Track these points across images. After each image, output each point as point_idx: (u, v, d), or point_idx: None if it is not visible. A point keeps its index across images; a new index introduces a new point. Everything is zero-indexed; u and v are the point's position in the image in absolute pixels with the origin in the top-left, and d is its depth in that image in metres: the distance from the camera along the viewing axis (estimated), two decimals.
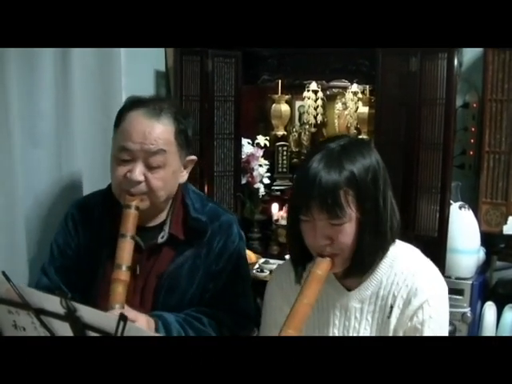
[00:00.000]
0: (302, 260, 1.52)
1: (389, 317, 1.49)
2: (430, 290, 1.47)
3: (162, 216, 1.79)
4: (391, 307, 1.49)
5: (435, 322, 1.46)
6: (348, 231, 1.41)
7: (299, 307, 1.39)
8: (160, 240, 1.76)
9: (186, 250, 1.75)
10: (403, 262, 1.51)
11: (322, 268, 1.43)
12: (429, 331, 1.45)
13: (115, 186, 1.70)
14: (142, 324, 1.53)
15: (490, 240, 2.81)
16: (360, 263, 1.45)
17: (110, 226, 1.73)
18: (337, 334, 1.55)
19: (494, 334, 2.62)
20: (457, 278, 2.65)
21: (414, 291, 1.47)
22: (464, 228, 2.68)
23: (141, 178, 1.64)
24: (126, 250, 1.59)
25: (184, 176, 1.78)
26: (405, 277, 1.49)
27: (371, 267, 1.49)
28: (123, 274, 1.56)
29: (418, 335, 1.46)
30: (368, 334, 1.52)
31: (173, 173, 1.70)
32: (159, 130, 1.65)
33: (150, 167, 1.65)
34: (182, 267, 1.74)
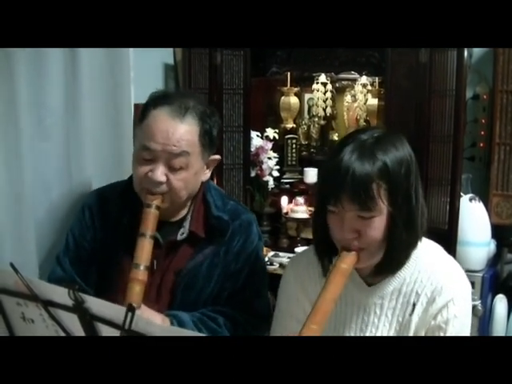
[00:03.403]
0: (328, 253, 1.49)
1: (411, 314, 1.47)
2: (455, 288, 1.45)
3: (183, 212, 1.76)
4: (414, 305, 1.47)
5: (459, 320, 1.44)
6: (377, 225, 1.37)
7: (322, 302, 1.36)
8: (180, 237, 1.73)
9: (205, 248, 1.72)
10: (427, 260, 1.48)
11: (347, 262, 1.39)
12: (452, 330, 1.44)
13: (136, 183, 1.68)
14: (158, 323, 1.50)
15: (501, 232, 2.81)
16: (392, 260, 1.42)
17: (128, 221, 1.71)
18: (354, 329, 1.53)
19: (504, 327, 2.62)
20: (467, 271, 2.60)
21: (438, 289, 1.44)
22: (474, 220, 2.68)
23: (162, 178, 1.61)
24: (144, 250, 1.57)
25: (207, 174, 1.75)
26: (429, 275, 1.46)
27: (403, 264, 1.46)
28: (141, 274, 1.54)
29: (441, 334, 1.44)
30: (387, 331, 1.50)
31: (195, 174, 1.67)
32: (183, 131, 1.61)
33: (171, 168, 1.61)
34: (201, 265, 1.71)
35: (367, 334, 1.51)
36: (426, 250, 1.50)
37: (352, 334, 1.53)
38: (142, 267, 1.54)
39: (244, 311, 1.73)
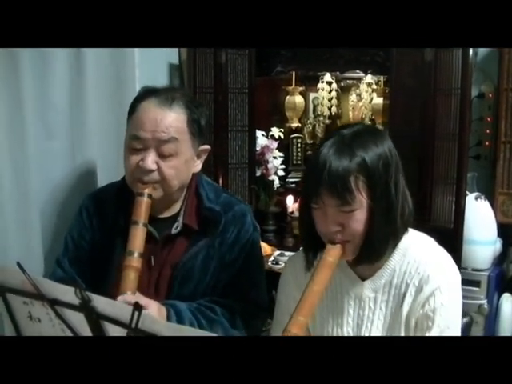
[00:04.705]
0: (313, 247, 1.51)
1: (401, 305, 1.48)
2: (442, 277, 1.46)
3: (176, 207, 1.79)
4: (404, 295, 1.48)
5: (447, 309, 1.45)
6: (359, 218, 1.39)
7: (309, 294, 1.39)
8: (174, 231, 1.75)
9: (199, 241, 1.74)
10: (416, 251, 1.50)
11: (332, 255, 1.42)
12: (440, 319, 1.44)
13: (128, 175, 1.71)
14: (153, 311, 1.53)
15: (507, 231, 2.80)
16: (370, 250, 1.44)
17: (124, 218, 1.72)
18: (351, 324, 1.55)
19: (511, 326, 2.61)
20: (473, 270, 2.64)
21: (425, 278, 1.46)
22: (480, 219, 2.67)
23: (153, 166, 1.64)
24: (138, 237, 1.60)
25: (197, 166, 1.77)
26: (417, 265, 1.48)
27: (382, 255, 1.48)
28: (135, 261, 1.56)
29: (429, 323, 1.45)
30: (382, 324, 1.51)
31: (185, 161, 1.70)
32: (171, 118, 1.65)
33: (162, 156, 1.65)
34: (196, 257, 1.73)
35: (363, 329, 1.54)
36: (416, 242, 1.52)
37: (349, 330, 1.56)
38: (135, 254, 1.57)
39: (240, 300, 1.75)
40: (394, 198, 1.42)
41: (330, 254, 1.42)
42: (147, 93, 1.70)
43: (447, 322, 1.46)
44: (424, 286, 1.46)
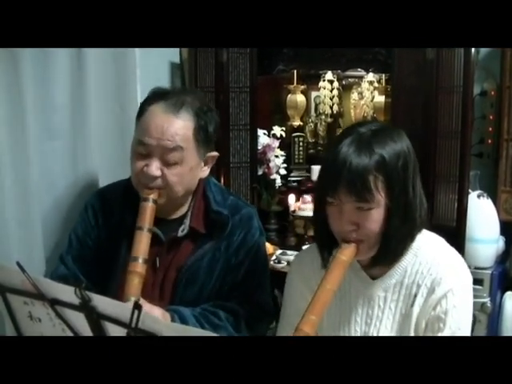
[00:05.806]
0: (327, 244, 1.50)
1: (412, 305, 1.47)
2: (455, 279, 1.45)
3: (183, 209, 1.78)
4: (415, 296, 1.48)
5: (459, 311, 1.44)
6: (375, 217, 1.39)
7: (322, 293, 1.38)
8: (180, 233, 1.74)
9: (205, 244, 1.74)
10: (428, 251, 1.49)
11: (346, 254, 1.41)
12: (452, 321, 1.44)
13: (134, 178, 1.70)
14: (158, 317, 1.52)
15: (510, 229, 2.80)
16: (387, 251, 1.44)
17: (130, 218, 1.71)
18: (359, 323, 1.54)
19: None
20: (476, 268, 2.63)
21: (438, 280, 1.45)
22: (483, 217, 2.67)
23: (157, 173, 1.62)
24: (142, 243, 1.58)
25: (205, 171, 1.76)
26: (429, 266, 1.47)
27: (399, 256, 1.47)
28: (139, 267, 1.55)
29: (441, 325, 1.44)
30: (390, 324, 1.51)
31: (190, 169, 1.68)
32: (177, 126, 1.63)
33: (166, 163, 1.63)
34: (202, 260, 1.73)
35: (371, 328, 1.53)
36: (428, 242, 1.51)
37: (357, 328, 1.55)
38: (140, 260, 1.56)
39: (245, 304, 1.74)
40: (412, 198, 1.42)
41: (343, 253, 1.41)
42: (157, 95, 1.68)
43: (458, 324, 1.45)
44: (436, 287, 1.45)
